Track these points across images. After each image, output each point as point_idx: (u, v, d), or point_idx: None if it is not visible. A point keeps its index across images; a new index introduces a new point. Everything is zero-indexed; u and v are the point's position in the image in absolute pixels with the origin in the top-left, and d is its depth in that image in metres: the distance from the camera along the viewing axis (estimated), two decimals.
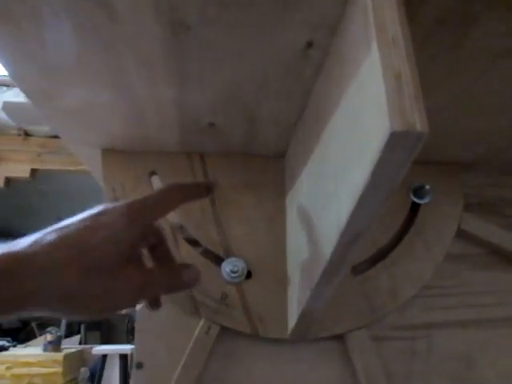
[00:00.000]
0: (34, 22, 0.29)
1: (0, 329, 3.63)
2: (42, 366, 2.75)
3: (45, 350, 2.86)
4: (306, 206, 0.40)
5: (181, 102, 0.39)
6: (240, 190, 0.49)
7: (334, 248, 0.30)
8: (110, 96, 0.37)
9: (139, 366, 0.44)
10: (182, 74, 0.34)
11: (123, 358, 2.16)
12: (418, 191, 0.50)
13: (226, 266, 0.45)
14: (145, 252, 0.33)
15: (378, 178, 0.23)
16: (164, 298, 0.45)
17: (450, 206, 0.51)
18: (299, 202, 0.43)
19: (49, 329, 2.99)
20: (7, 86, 2.21)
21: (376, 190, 0.23)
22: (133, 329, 3.83)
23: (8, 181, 2.63)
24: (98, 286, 0.25)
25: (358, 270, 0.47)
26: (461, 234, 0.52)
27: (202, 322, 0.44)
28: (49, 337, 2.91)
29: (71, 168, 2.71)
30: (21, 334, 3.78)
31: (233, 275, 0.45)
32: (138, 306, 0.45)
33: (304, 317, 0.40)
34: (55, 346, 2.88)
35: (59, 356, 2.77)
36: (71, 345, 3.32)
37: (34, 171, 2.57)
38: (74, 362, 2.95)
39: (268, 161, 0.50)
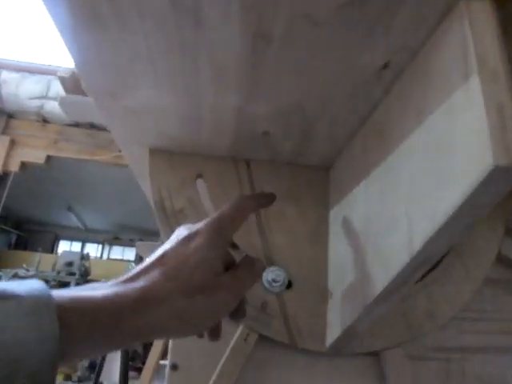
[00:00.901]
0: (120, 21, 0.29)
1: None
2: None
3: None
4: (357, 223, 0.40)
5: (242, 111, 0.39)
6: (284, 200, 0.49)
7: (399, 271, 0.30)
8: (175, 99, 0.38)
9: (174, 367, 0.44)
10: (253, 84, 0.34)
11: (126, 353, 2.17)
12: None
13: (268, 275, 0.45)
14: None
15: (468, 208, 0.23)
16: None
17: (490, 231, 0.51)
18: (348, 217, 0.43)
19: None
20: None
21: (462, 219, 0.24)
22: None
23: (23, 165, 2.65)
24: (202, 302, 0.29)
25: None
26: (501, 259, 0.51)
27: (240, 329, 0.44)
28: None
29: (86, 157, 2.72)
30: None
31: (274, 284, 0.45)
32: None
33: (348, 333, 0.40)
34: None
35: None
36: None
37: (49, 158, 2.59)
38: None
39: (313, 171, 0.50)
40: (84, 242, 8.09)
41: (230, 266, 0.33)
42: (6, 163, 2.83)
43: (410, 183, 0.29)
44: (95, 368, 2.31)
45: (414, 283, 0.33)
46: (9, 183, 3.04)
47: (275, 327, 0.44)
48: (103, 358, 2.22)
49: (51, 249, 7.36)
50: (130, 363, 2.30)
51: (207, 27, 0.29)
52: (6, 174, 2.93)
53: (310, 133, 0.42)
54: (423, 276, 0.49)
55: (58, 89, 2.30)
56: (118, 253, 8.28)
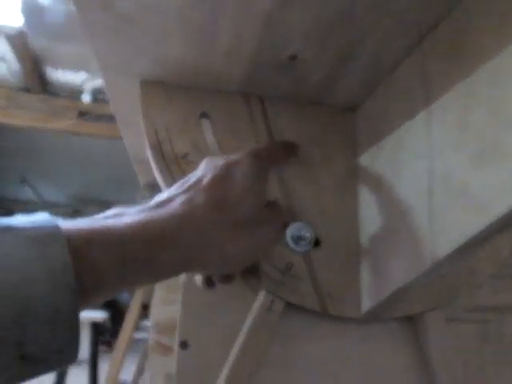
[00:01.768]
0: None
1: None
2: None
3: None
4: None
5: (272, 20, 0.30)
6: (306, 144, 0.41)
7: (496, 217, 0.23)
8: (185, 2, 0.28)
9: (184, 345, 0.36)
10: None
11: (95, 326, 2.07)
12: None
13: (292, 232, 0.38)
14: None
15: None
16: None
17: None
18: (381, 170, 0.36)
19: None
20: None
21: None
22: None
23: None
24: (247, 236, 0.26)
25: None
26: None
27: (262, 297, 0.37)
28: None
29: (40, 125, 2.52)
30: None
31: (301, 242, 0.38)
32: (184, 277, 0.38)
33: (394, 297, 0.34)
34: None
35: None
36: None
37: None
38: None
39: (338, 113, 0.43)
40: None
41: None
42: None
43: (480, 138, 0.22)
44: None
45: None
46: None
47: (303, 292, 0.38)
48: None
49: None
50: (100, 337, 2.21)
51: None
52: None
53: (347, 59, 0.35)
54: None
55: (4, 49, 2.06)
56: None
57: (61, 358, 0.18)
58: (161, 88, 0.39)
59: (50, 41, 1.84)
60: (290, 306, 0.37)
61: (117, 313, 2.31)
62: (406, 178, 0.34)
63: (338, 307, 0.38)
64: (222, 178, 0.27)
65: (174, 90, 0.39)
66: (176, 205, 0.24)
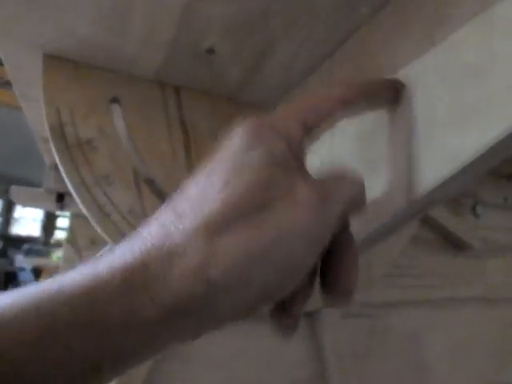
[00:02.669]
0: None
1: None
2: None
3: None
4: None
5: (190, 9, 0.29)
6: (218, 141, 0.41)
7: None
8: None
9: None
10: None
11: None
12: None
13: None
14: None
15: None
16: None
17: None
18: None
19: None
20: None
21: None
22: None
23: None
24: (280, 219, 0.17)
25: None
26: (423, 218, 0.52)
27: None
28: None
29: None
30: None
31: None
32: None
33: None
34: None
35: None
36: None
37: None
38: None
39: (254, 112, 0.43)
40: None
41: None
42: None
43: (414, 121, 0.24)
44: None
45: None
46: None
47: None
48: None
49: None
50: None
51: None
52: None
53: (266, 57, 0.35)
54: None
55: None
56: None
57: None
58: (69, 65, 0.36)
59: None
60: None
61: None
62: None
63: None
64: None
65: (84, 70, 0.36)
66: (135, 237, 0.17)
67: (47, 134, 0.36)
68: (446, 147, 0.21)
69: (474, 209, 0.60)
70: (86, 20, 0.31)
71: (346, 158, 0.30)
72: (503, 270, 0.61)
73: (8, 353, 0.13)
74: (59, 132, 0.35)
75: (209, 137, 0.40)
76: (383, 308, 0.48)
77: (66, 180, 0.34)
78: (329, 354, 0.42)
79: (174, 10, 0.30)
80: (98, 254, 0.17)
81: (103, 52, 0.35)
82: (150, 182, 0.38)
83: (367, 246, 0.29)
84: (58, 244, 4.20)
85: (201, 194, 0.18)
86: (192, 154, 0.39)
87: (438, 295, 0.53)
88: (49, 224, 5.40)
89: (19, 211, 5.36)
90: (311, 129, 0.21)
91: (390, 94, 0.24)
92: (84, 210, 0.34)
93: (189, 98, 0.40)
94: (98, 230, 0.34)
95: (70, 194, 0.37)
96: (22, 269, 3.49)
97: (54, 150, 0.35)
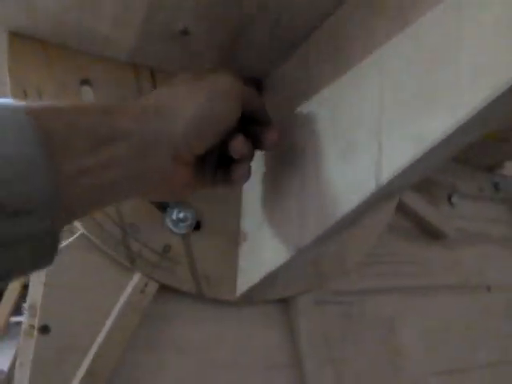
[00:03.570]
0: None
1: None
2: None
3: None
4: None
5: None
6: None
7: (355, 206, 0.25)
8: None
9: (45, 329, 0.34)
10: None
11: None
12: None
13: (172, 214, 0.37)
14: None
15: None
16: (89, 246, 0.35)
17: None
18: None
19: None
20: None
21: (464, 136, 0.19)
22: None
23: None
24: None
25: None
26: (399, 207, 0.53)
27: (136, 278, 0.36)
28: None
29: None
30: None
31: (180, 224, 0.37)
32: None
33: (267, 280, 0.35)
34: None
35: None
36: None
37: None
38: None
39: None
40: None
41: None
42: None
43: (381, 104, 0.24)
44: None
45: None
46: None
47: (179, 274, 0.37)
48: None
49: None
50: None
51: None
52: None
53: (242, 37, 0.34)
54: None
55: None
56: None
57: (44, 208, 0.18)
58: (37, 45, 0.35)
59: None
60: (165, 288, 0.37)
61: None
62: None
63: (214, 290, 0.38)
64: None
65: (53, 50, 0.35)
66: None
67: None
68: (413, 130, 0.21)
69: (449, 199, 0.61)
70: None
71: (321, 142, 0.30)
72: (477, 259, 0.62)
73: None
74: None
75: None
76: (359, 295, 0.49)
77: None
78: (304, 340, 0.42)
79: None
80: None
81: (74, 32, 0.34)
82: None
83: (340, 229, 0.29)
84: None
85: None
86: None
87: (414, 283, 0.54)
88: None
89: None
90: None
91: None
92: None
93: (163, 80, 0.39)
94: None
95: None
96: None
97: None
